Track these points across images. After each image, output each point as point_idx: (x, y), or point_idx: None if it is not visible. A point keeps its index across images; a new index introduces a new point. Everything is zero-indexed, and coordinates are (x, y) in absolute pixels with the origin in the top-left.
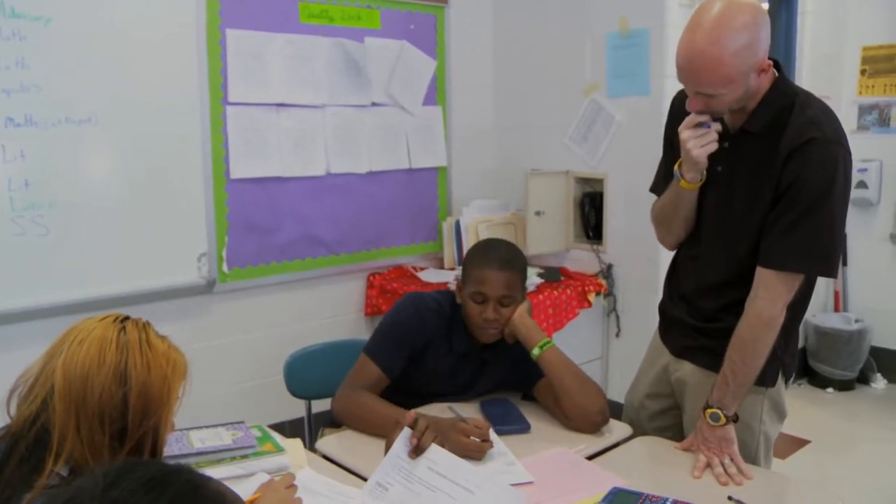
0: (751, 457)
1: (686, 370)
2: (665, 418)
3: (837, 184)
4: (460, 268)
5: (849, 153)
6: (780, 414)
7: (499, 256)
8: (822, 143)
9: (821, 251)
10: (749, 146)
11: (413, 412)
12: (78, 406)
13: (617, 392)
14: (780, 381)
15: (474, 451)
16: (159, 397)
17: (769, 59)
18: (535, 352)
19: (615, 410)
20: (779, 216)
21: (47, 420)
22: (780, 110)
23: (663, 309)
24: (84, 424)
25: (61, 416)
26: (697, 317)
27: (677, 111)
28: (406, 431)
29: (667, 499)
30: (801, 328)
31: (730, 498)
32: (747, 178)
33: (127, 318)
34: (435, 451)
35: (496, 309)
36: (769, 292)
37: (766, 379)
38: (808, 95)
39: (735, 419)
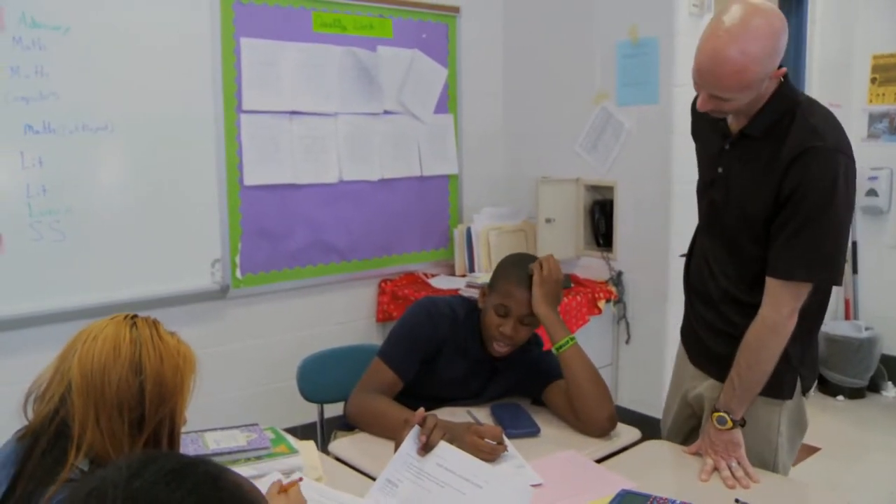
0: (769, 469)
1: (705, 384)
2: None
3: (839, 192)
4: (472, 274)
5: (852, 161)
6: (801, 425)
7: (529, 276)
8: (823, 151)
9: (823, 260)
10: (748, 149)
11: (422, 410)
12: (97, 398)
13: (627, 398)
14: (799, 392)
15: (487, 454)
16: (173, 385)
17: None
18: (558, 347)
19: (625, 416)
20: (782, 226)
21: (66, 415)
22: (781, 115)
23: (686, 312)
24: (103, 415)
25: (80, 410)
26: (711, 318)
27: (697, 113)
28: (415, 429)
29: (674, 501)
30: (817, 335)
31: (737, 501)
32: (746, 181)
33: (136, 316)
34: (443, 448)
35: (515, 326)
36: (775, 300)
37: (783, 391)
38: (811, 103)
39: (742, 423)
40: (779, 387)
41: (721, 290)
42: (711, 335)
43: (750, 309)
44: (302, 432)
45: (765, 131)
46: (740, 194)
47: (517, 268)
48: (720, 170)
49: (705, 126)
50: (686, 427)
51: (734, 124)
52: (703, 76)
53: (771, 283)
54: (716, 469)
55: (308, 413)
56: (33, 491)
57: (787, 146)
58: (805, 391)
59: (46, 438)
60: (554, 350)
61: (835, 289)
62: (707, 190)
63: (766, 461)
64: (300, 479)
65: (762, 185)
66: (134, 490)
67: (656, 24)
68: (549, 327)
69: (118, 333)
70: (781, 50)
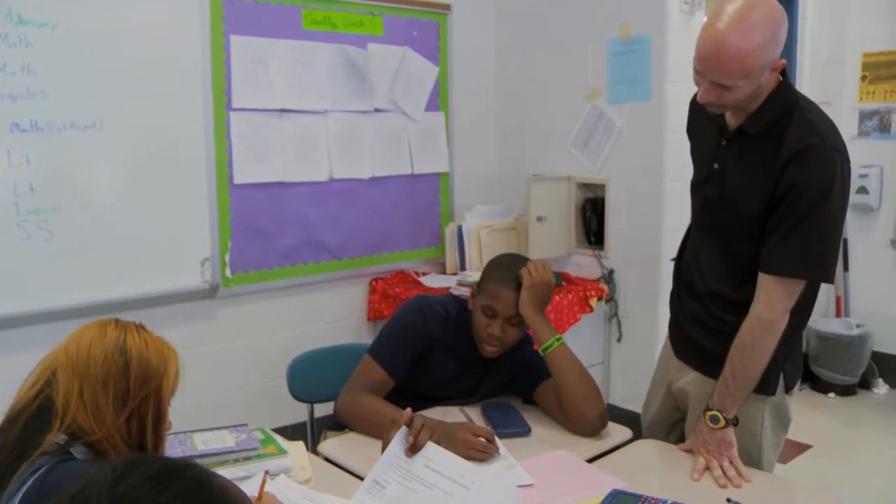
0: (753, 463)
1: (687, 378)
2: (680, 429)
3: (835, 190)
4: (463, 273)
5: (847, 161)
6: (784, 421)
7: (517, 276)
8: (821, 149)
9: (817, 257)
10: (745, 147)
11: (409, 410)
12: (82, 373)
13: (619, 396)
14: (782, 388)
15: (480, 451)
16: (157, 367)
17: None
18: (545, 348)
19: (617, 414)
20: (777, 222)
21: (51, 392)
22: (779, 114)
23: (671, 306)
24: (87, 388)
25: (65, 384)
26: (698, 313)
27: (696, 109)
28: (403, 430)
29: (666, 501)
30: (802, 333)
31: (728, 500)
32: (742, 178)
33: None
34: (431, 449)
35: (503, 327)
36: (769, 296)
37: (767, 387)
38: (809, 103)
39: (735, 422)
40: (763, 382)
41: (707, 285)
42: (697, 328)
43: (735, 306)
44: (292, 432)
45: (763, 129)
46: (735, 191)
47: (504, 269)
48: (716, 165)
49: (704, 122)
50: (671, 418)
51: (732, 121)
52: (706, 62)
53: (765, 280)
54: (707, 468)
55: (298, 413)
56: (12, 463)
57: (785, 145)
58: (788, 389)
59: (28, 413)
60: (540, 352)
61: (826, 286)
62: (702, 186)
63: (750, 453)
64: (266, 472)
65: (758, 183)
66: (118, 493)
67: (648, 21)
68: (536, 330)
69: (104, 323)
70: (782, 39)
